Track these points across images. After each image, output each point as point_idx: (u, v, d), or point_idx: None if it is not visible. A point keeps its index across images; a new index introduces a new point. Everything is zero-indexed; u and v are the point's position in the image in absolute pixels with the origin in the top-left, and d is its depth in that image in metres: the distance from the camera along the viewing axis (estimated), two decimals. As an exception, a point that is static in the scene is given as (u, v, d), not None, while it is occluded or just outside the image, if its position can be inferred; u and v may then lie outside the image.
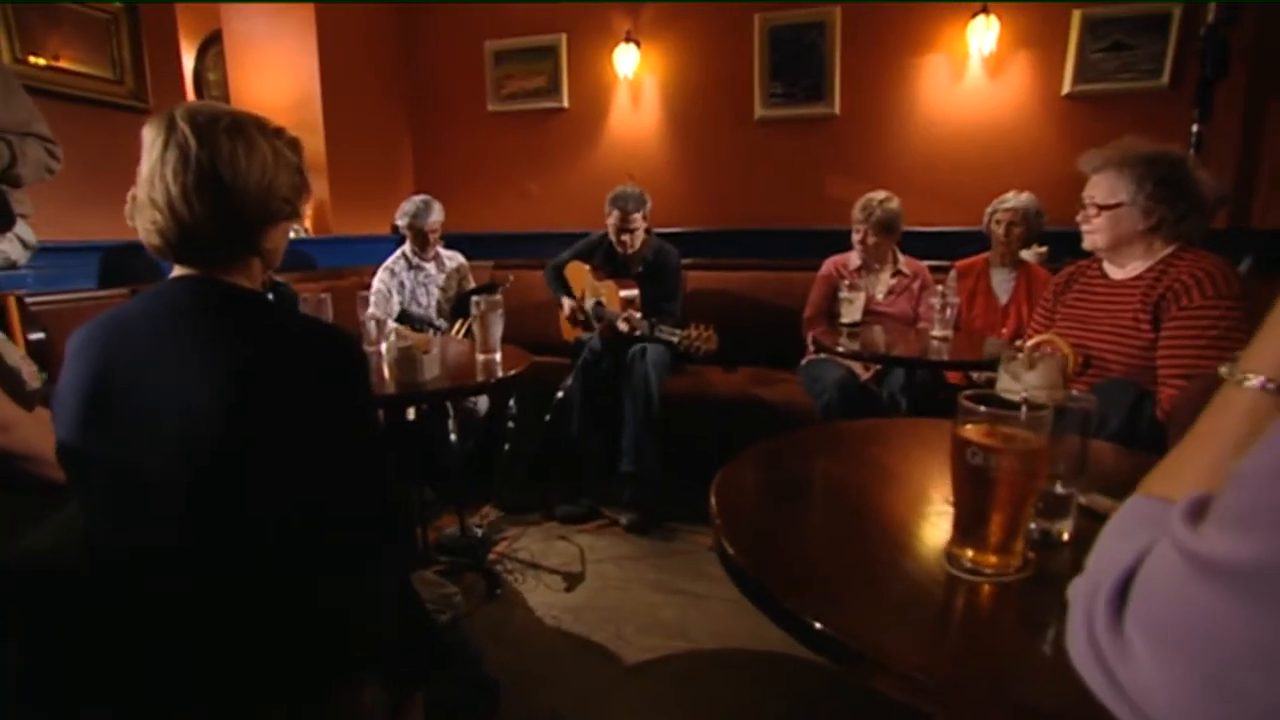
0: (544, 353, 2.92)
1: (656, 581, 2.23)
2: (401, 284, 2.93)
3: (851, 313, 2.34)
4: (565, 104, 3.70)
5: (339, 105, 3.49)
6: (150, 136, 0.84)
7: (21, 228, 1.87)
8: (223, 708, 0.85)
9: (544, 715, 1.65)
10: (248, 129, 0.87)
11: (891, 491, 0.97)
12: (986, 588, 0.66)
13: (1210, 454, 0.45)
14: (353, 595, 0.93)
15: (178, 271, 0.89)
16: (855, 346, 2.22)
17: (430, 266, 2.99)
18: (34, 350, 1.82)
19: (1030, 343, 1.86)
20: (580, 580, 2.25)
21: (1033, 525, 0.73)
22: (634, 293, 2.80)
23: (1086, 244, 1.69)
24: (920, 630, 0.63)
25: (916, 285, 2.75)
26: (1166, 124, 2.69)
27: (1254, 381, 0.44)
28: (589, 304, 2.90)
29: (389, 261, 2.94)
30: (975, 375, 2.49)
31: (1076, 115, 2.95)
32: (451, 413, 2.32)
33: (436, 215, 2.89)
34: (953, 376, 2.57)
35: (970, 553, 0.68)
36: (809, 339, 2.82)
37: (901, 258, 2.78)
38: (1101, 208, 1.60)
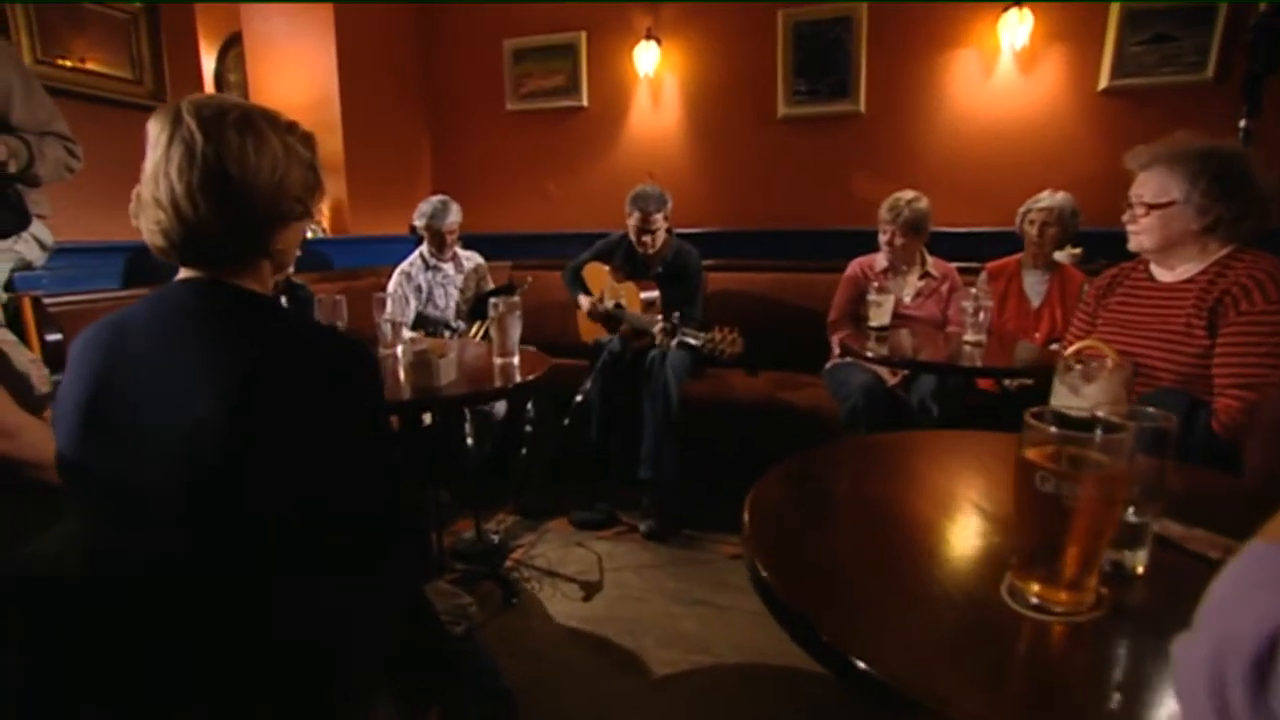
0: (562, 354, 2.87)
1: (677, 591, 2.17)
2: (419, 286, 2.89)
3: (880, 316, 2.26)
4: (584, 103, 3.65)
5: (357, 105, 3.47)
6: (155, 131, 0.80)
7: (39, 228, 1.86)
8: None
9: (562, 732, 1.60)
10: (258, 123, 0.82)
11: (939, 512, 0.90)
12: (1056, 628, 0.59)
13: None
14: (363, 609, 0.89)
15: (184, 274, 0.85)
16: (884, 351, 2.15)
17: (448, 267, 2.96)
18: (51, 352, 1.80)
19: (1070, 349, 1.77)
20: (598, 589, 2.19)
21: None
22: (654, 294, 2.75)
23: (1133, 245, 1.60)
24: (980, 674, 0.57)
25: (945, 287, 2.67)
26: (1211, 119, 2.58)
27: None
28: (608, 305, 2.85)
29: (405, 264, 2.91)
30: (1008, 382, 2.42)
31: (1114, 111, 2.85)
32: (468, 416, 2.28)
33: (454, 216, 2.86)
34: (983, 382, 2.49)
35: (1036, 587, 0.61)
36: (834, 342, 2.75)
37: (929, 259, 2.70)
38: (1151, 206, 1.51)
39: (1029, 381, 2.33)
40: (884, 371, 2.47)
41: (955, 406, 2.26)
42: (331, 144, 3.39)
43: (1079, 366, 0.85)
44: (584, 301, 2.91)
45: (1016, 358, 2.20)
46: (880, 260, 2.72)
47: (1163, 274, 1.59)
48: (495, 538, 2.43)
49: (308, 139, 0.90)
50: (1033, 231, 2.49)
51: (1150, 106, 2.78)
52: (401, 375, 1.75)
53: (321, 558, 0.81)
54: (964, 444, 1.18)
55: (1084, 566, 0.58)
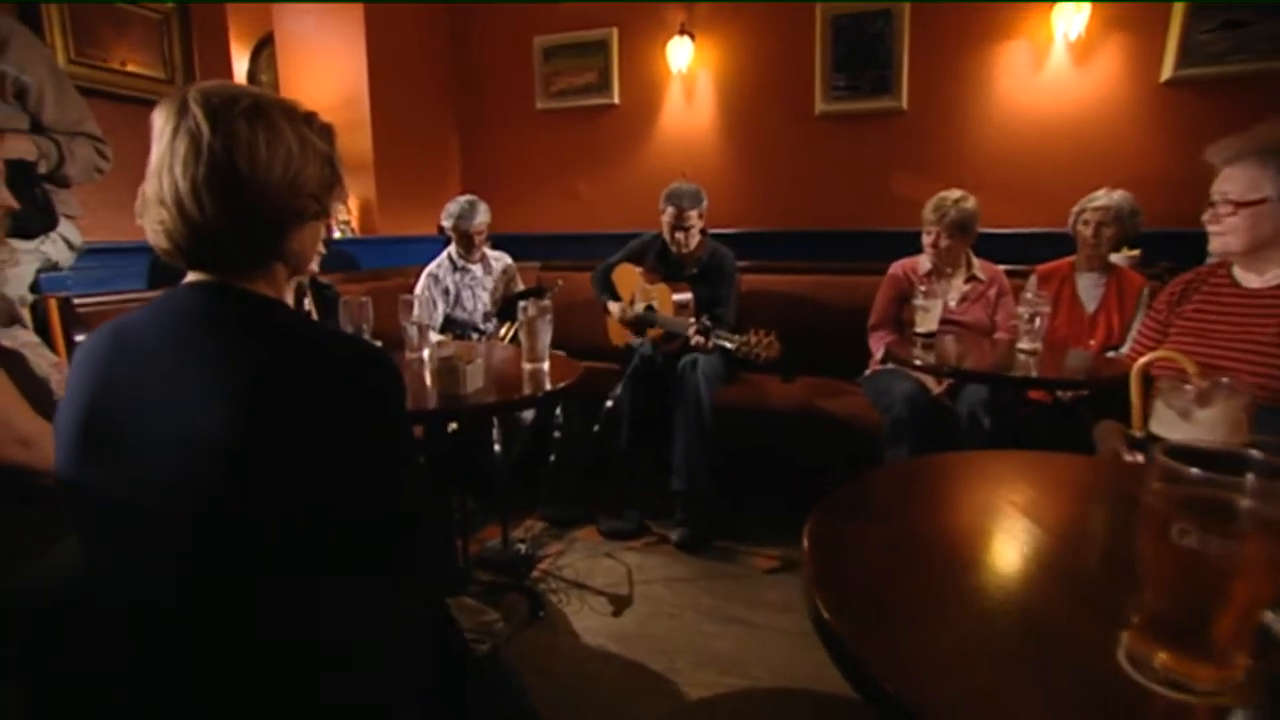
0: (592, 358, 2.79)
1: (710, 608, 2.08)
2: (446, 289, 2.84)
3: (927, 322, 2.15)
4: (615, 100, 3.58)
5: (387, 103, 3.44)
6: (160, 122, 0.74)
7: (67, 229, 1.83)
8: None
9: (591, 758, 1.53)
10: (271, 113, 0.75)
11: (1028, 553, 0.80)
12: (1198, 709, 0.50)
13: None
14: (384, 638, 0.82)
15: (191, 277, 0.78)
16: (931, 358, 2.04)
17: (476, 268, 2.90)
18: (78, 353, 1.77)
19: (1142, 361, 1.64)
20: (628, 603, 2.11)
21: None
22: (687, 296, 2.66)
23: (1216, 247, 1.48)
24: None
25: (993, 292, 2.54)
26: (1285, 112, 2.42)
27: None
28: (639, 308, 2.77)
29: (432, 266, 2.86)
30: (1062, 394, 2.28)
31: (1177, 104, 2.69)
32: (495, 422, 2.22)
33: (482, 216, 2.80)
34: (1035, 393, 2.36)
35: (1167, 657, 0.51)
36: (874, 348, 2.64)
37: (976, 261, 2.57)
38: (1238, 205, 1.39)
39: (1084, 392, 2.20)
40: (928, 379, 2.35)
41: (1006, 418, 2.14)
42: (360, 143, 3.37)
43: (1189, 388, 0.75)
44: (614, 309, 2.83)
45: (1068, 366, 2.07)
46: (923, 262, 2.60)
47: (1249, 279, 1.46)
48: (522, 547, 2.36)
49: (326, 131, 0.83)
50: (1087, 232, 2.35)
51: (1219, 98, 2.62)
52: (428, 380, 1.69)
53: (337, 590, 0.74)
54: (1040, 467, 1.07)
55: (1235, 638, 0.48)
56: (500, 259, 3.00)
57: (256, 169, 0.73)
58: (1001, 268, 2.60)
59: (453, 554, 2.02)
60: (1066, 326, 2.41)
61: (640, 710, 1.66)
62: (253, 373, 0.70)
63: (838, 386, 2.78)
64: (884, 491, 1.01)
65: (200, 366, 0.70)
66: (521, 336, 1.75)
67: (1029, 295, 1.95)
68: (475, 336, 2.87)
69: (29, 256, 1.64)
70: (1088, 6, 2.68)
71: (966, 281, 2.55)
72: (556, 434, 2.57)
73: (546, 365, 1.73)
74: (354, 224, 3.41)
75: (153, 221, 0.75)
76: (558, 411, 2.60)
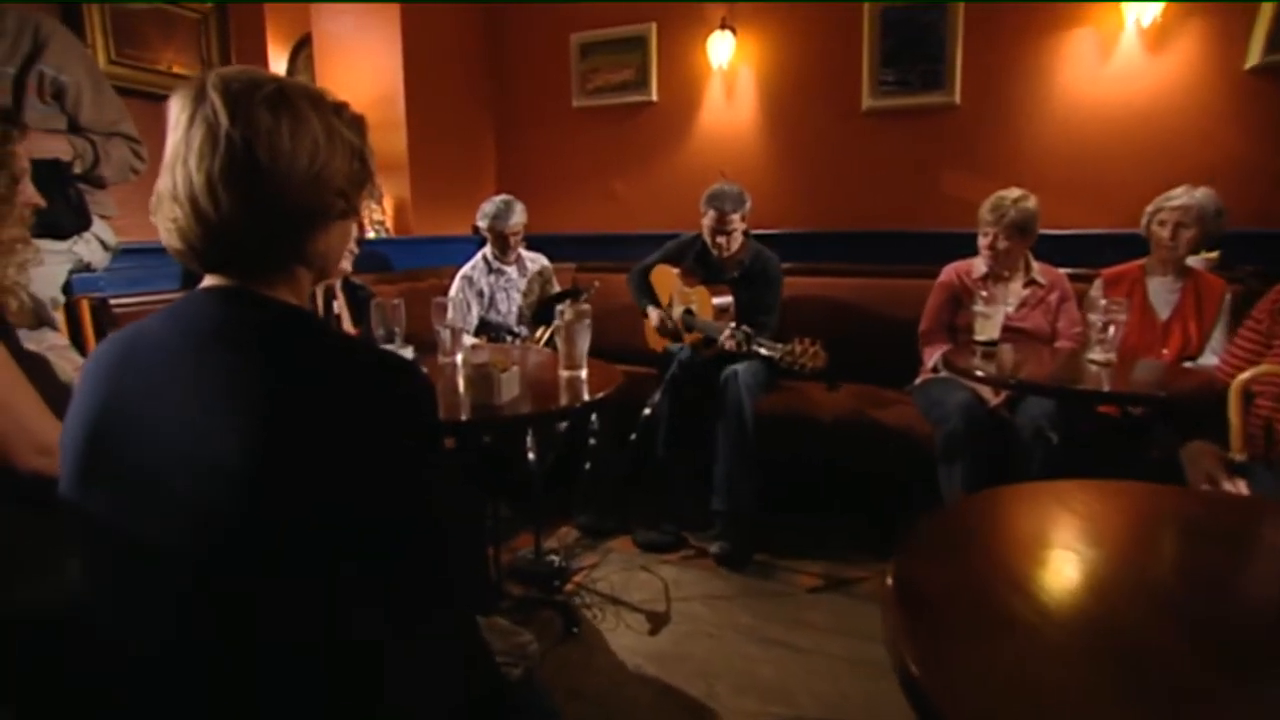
0: (628, 362, 2.71)
1: (751, 628, 1.98)
2: (480, 291, 2.78)
3: (988, 329, 2.01)
4: (654, 97, 3.49)
5: (422, 102, 3.40)
6: (175, 110, 0.67)
7: (102, 229, 1.81)
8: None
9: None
10: (295, 101, 0.68)
11: (1159, 606, 0.68)
12: None
13: None
14: (412, 671, 0.74)
15: (207, 281, 0.72)
16: (992, 369, 1.90)
17: (511, 270, 2.84)
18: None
19: (1243, 377, 1.50)
20: (665, 621, 2.02)
21: None
22: (728, 300, 2.56)
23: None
24: None
25: (1054, 297, 2.39)
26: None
27: None
28: (677, 312, 2.68)
29: (466, 268, 2.80)
30: (1133, 409, 2.13)
31: (1266, 93, 2.48)
32: (529, 429, 2.15)
33: (518, 217, 2.74)
34: (1103, 407, 2.20)
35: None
36: (925, 355, 2.50)
37: (1035, 265, 2.42)
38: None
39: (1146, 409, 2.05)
40: (984, 390, 2.21)
41: (1073, 434, 1.99)
42: (396, 142, 3.33)
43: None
44: (653, 315, 2.74)
45: (1140, 378, 1.92)
46: (978, 265, 2.46)
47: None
48: (555, 559, 2.28)
49: (357, 122, 0.75)
50: (1163, 233, 2.18)
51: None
52: (460, 387, 1.62)
53: (361, 626, 0.66)
54: (1139, 502, 0.95)
55: None
56: (536, 260, 2.94)
57: (278, 161, 0.66)
58: (1063, 271, 2.44)
59: (485, 570, 1.95)
60: (1137, 334, 2.24)
61: (679, 740, 1.58)
62: (270, 392, 0.62)
63: (885, 396, 2.65)
64: (970, 529, 0.90)
65: (213, 383, 0.63)
66: (558, 342, 1.67)
67: (1103, 301, 1.81)
68: (510, 339, 2.81)
69: (61, 257, 1.61)
70: (1164, -9, 2.51)
71: (1025, 286, 2.40)
72: (592, 441, 2.50)
73: (584, 372, 1.65)
74: (388, 224, 3.38)
75: (165, 219, 0.68)
76: (593, 418, 2.52)
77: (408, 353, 1.65)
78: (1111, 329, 1.78)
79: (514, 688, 1.19)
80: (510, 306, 2.84)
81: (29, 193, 1.20)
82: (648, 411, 2.38)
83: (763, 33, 3.23)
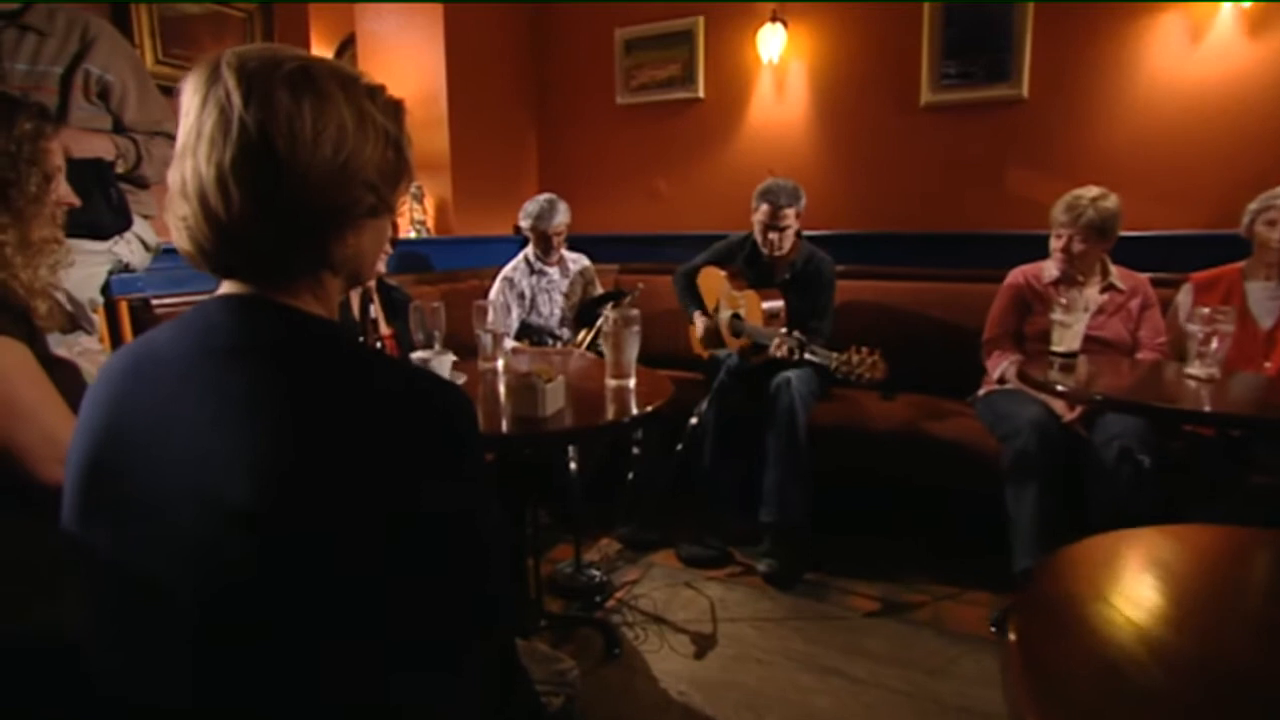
0: (673, 367, 2.61)
1: (804, 655, 1.86)
2: (521, 293, 2.71)
3: (1068, 339, 1.85)
4: (700, 94, 3.38)
5: (465, 101, 3.35)
6: (188, 93, 0.59)
7: (143, 229, 1.79)
8: None
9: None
10: (321, 81, 0.59)
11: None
12: None
13: None
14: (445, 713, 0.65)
15: (224, 287, 0.64)
16: (1072, 382, 1.75)
17: (553, 271, 2.77)
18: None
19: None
20: (712, 644, 1.91)
21: None
22: (778, 304, 2.43)
23: None
24: None
25: (1135, 303, 2.21)
26: None
27: None
28: (724, 315, 2.56)
29: (507, 269, 2.73)
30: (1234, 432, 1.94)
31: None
32: (571, 438, 2.06)
33: (562, 217, 2.66)
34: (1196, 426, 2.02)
35: None
36: (990, 365, 2.34)
37: (1113, 269, 2.24)
38: None
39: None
40: (1057, 404, 2.05)
41: (1162, 455, 1.82)
42: (438, 141, 3.29)
43: None
44: (699, 323, 2.63)
45: (1237, 395, 1.74)
46: (1049, 269, 2.30)
47: None
48: (596, 573, 2.19)
49: (393, 108, 0.67)
50: (1271, 235, 1.98)
51: None
52: (501, 394, 1.54)
53: (391, 690, 0.58)
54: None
55: None
56: (578, 261, 2.86)
57: (298, 150, 0.57)
58: (1145, 276, 2.26)
59: (524, 589, 1.86)
60: (1235, 345, 2.04)
61: (729, 778, 1.47)
62: (286, 419, 0.54)
63: (944, 406, 2.50)
64: (1097, 582, 0.78)
65: (222, 408, 0.55)
66: (605, 349, 1.58)
67: (1205, 310, 1.64)
68: (551, 343, 2.74)
69: (100, 258, 1.59)
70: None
71: (1103, 291, 2.23)
72: (635, 450, 2.40)
73: (633, 382, 1.55)
74: (429, 224, 3.34)
75: (175, 218, 0.60)
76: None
77: (446, 360, 1.57)
78: (1215, 341, 1.61)
79: (553, 718, 1.11)
80: (552, 309, 2.76)
81: (62, 191, 1.15)
82: (694, 421, 2.27)
83: (816, 25, 3.09)
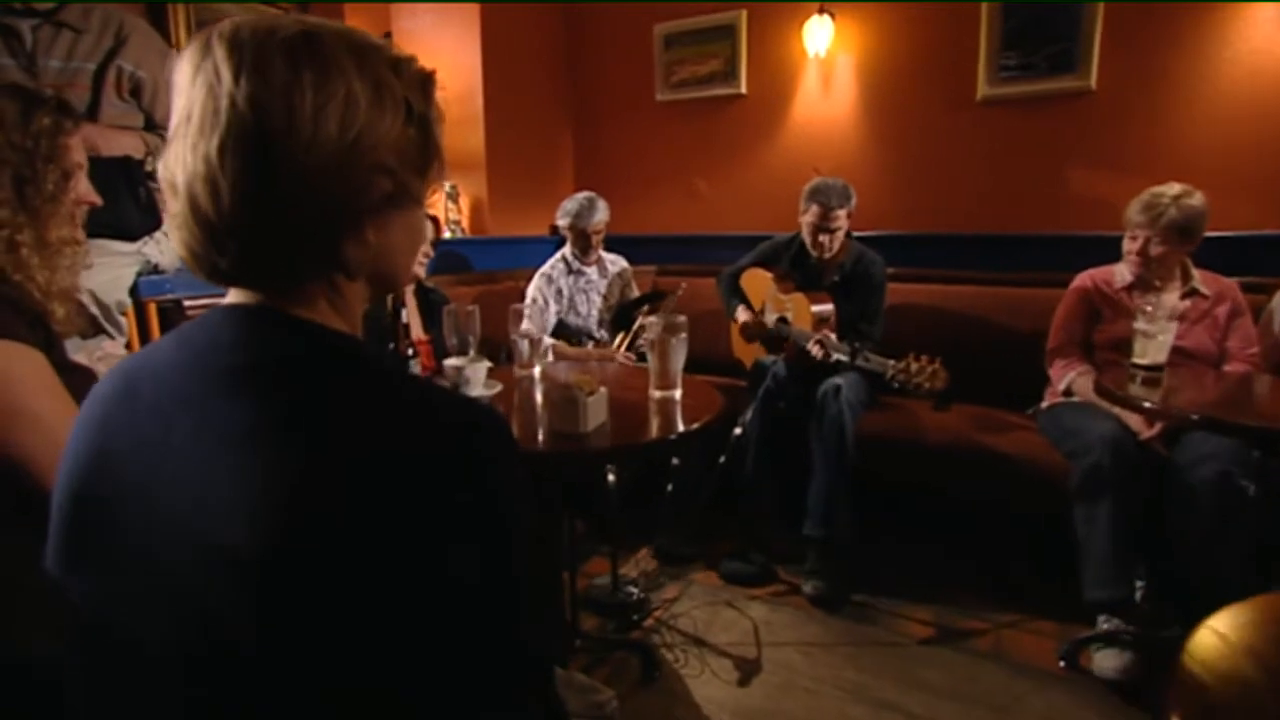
0: (713, 372, 2.49)
1: (856, 686, 1.73)
2: (559, 291, 2.63)
3: (1153, 351, 1.70)
4: (743, 89, 3.26)
5: (501, 99, 3.29)
6: (179, 73, 0.51)
7: (174, 228, 1.75)
8: None
9: None
10: (328, 48, 0.50)
11: None
12: None
13: None
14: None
15: (231, 297, 0.55)
16: (1156, 397, 1.60)
17: (591, 271, 2.68)
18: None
19: None
20: (756, 670, 1.80)
21: None
22: (828, 308, 2.31)
23: None
24: None
25: (1223, 310, 2.03)
26: None
27: None
28: (770, 319, 2.45)
29: (545, 267, 2.66)
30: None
31: None
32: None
33: (601, 215, 2.57)
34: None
35: None
36: (1055, 376, 2.19)
37: (1196, 273, 2.07)
38: None
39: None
40: (1133, 420, 1.89)
41: (1271, 480, 1.66)
42: (474, 139, 3.23)
43: None
44: (741, 315, 2.52)
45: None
46: (1121, 273, 2.14)
47: None
48: (634, 590, 2.09)
49: (421, 80, 0.57)
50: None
51: None
52: (538, 402, 1.46)
53: None
54: None
55: None
56: (616, 262, 2.77)
57: (296, 127, 0.48)
58: (1233, 280, 2.08)
59: (561, 615, 1.77)
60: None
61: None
62: (294, 457, 0.45)
63: (1003, 418, 2.35)
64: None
65: (222, 439, 0.47)
66: (650, 357, 1.48)
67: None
68: (589, 344, 2.65)
69: (128, 259, 1.54)
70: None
71: (1184, 297, 2.06)
72: (674, 460, 2.30)
73: (679, 393, 1.45)
74: (464, 224, 3.29)
75: (168, 216, 0.52)
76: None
77: (481, 367, 1.49)
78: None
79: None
80: (590, 309, 2.68)
81: (83, 189, 1.10)
82: (738, 431, 2.16)
83: (865, 16, 2.96)
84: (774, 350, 2.41)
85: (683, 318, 1.46)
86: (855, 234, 2.52)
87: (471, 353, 1.62)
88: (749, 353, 2.55)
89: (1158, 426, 1.86)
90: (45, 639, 0.82)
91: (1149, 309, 1.72)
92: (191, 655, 0.46)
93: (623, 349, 2.52)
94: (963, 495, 2.25)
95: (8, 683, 0.78)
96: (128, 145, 1.59)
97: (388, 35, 3.97)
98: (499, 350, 2.16)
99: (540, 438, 1.24)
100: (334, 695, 0.45)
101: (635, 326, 2.53)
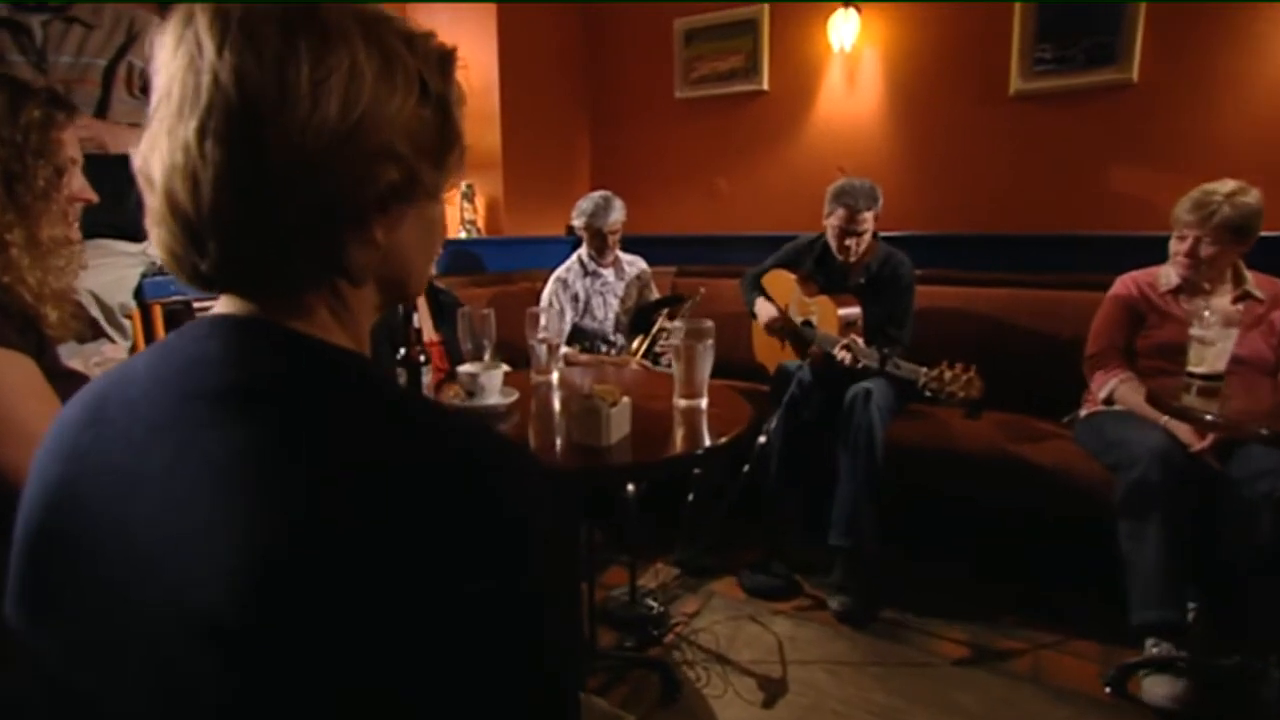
0: (732, 376, 2.41)
1: (888, 710, 1.65)
2: (575, 295, 2.56)
3: (1210, 359, 1.59)
4: (765, 86, 3.18)
5: (517, 97, 3.23)
6: (160, 47, 0.44)
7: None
8: None
9: None
10: (331, 17, 0.43)
11: None
12: None
13: None
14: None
15: (220, 305, 0.48)
16: (1214, 408, 1.50)
17: (608, 273, 2.61)
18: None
19: None
20: (782, 690, 1.72)
21: None
22: (855, 311, 2.22)
23: None
24: None
25: (1279, 315, 1.92)
26: None
27: None
28: (795, 322, 2.36)
29: (561, 270, 2.59)
30: None
31: None
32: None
33: (618, 214, 2.50)
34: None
35: None
36: (1095, 383, 2.09)
37: (1249, 275, 1.96)
38: None
39: None
40: (1182, 430, 1.79)
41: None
42: (490, 138, 3.17)
43: None
44: (762, 311, 2.42)
45: None
46: (1167, 275, 2.03)
47: None
48: (654, 604, 2.02)
49: (440, 57, 0.50)
50: None
51: None
52: (556, 409, 1.39)
53: None
54: None
55: None
56: (634, 264, 2.70)
57: (290, 104, 0.41)
58: (1285, 282, 1.97)
59: (581, 635, 1.70)
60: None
61: None
62: (285, 499, 0.38)
63: (1038, 427, 2.25)
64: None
65: (204, 477, 0.40)
66: (675, 365, 1.41)
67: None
68: (605, 349, 2.58)
69: (132, 259, 1.49)
70: None
71: (1236, 301, 1.95)
72: (696, 470, 2.22)
73: (704, 402, 1.37)
74: (480, 223, 3.23)
75: (146, 212, 0.45)
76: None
77: (498, 373, 1.42)
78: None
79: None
80: (606, 313, 2.60)
81: (77, 186, 1.04)
82: (763, 440, 2.08)
83: (892, 9, 2.86)
84: (801, 349, 2.32)
85: (709, 323, 1.38)
86: (881, 234, 2.43)
87: (486, 358, 1.56)
88: (772, 357, 2.47)
89: (1209, 438, 1.76)
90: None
91: (1206, 314, 1.62)
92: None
93: (640, 354, 2.44)
94: (996, 506, 2.16)
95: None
96: (135, 142, 1.54)
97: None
98: (515, 353, 2.09)
99: (559, 449, 1.17)
100: None
101: (654, 330, 2.46)
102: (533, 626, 0.42)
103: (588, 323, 2.58)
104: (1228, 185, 1.87)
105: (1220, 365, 1.60)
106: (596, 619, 1.93)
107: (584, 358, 2.45)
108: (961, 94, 2.78)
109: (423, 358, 1.31)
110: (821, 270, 2.36)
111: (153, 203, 0.44)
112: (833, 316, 2.19)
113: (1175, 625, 1.63)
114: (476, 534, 0.39)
